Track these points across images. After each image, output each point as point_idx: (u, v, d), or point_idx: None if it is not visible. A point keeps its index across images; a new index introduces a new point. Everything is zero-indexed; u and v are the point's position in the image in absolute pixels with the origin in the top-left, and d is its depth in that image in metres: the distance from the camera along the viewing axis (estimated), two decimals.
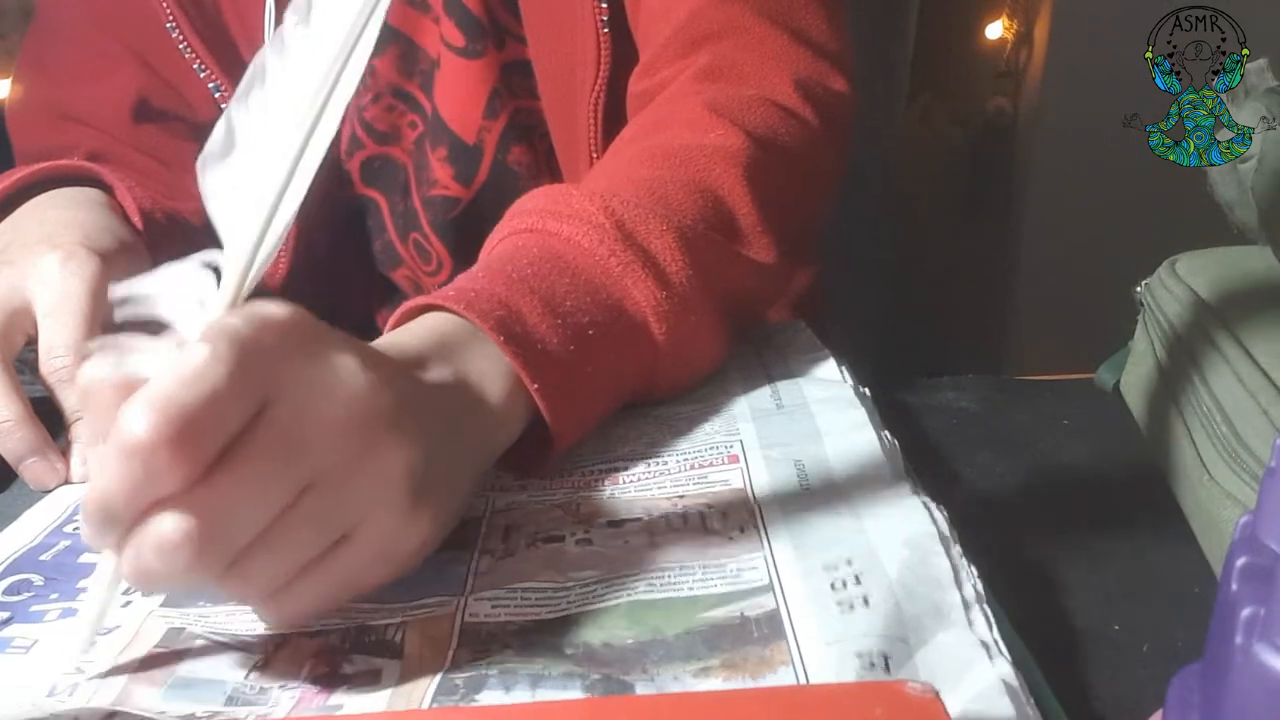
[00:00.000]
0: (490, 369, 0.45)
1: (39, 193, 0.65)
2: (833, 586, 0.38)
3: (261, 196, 0.38)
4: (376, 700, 0.36)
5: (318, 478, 0.35)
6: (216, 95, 0.75)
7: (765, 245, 0.57)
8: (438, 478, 0.39)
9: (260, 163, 0.38)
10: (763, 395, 0.54)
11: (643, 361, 0.52)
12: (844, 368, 0.57)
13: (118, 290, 0.36)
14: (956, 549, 0.40)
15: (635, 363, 0.51)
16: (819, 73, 0.64)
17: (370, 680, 0.36)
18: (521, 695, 0.35)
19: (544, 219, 0.52)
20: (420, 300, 0.48)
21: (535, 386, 0.45)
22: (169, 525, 0.33)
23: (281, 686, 0.36)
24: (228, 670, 0.37)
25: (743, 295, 0.57)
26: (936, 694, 0.32)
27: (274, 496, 0.35)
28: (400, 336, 0.45)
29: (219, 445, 0.33)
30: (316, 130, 0.38)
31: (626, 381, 0.52)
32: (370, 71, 0.76)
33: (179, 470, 0.33)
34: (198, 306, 0.37)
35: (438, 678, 0.36)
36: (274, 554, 0.35)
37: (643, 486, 0.47)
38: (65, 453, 0.54)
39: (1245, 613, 0.24)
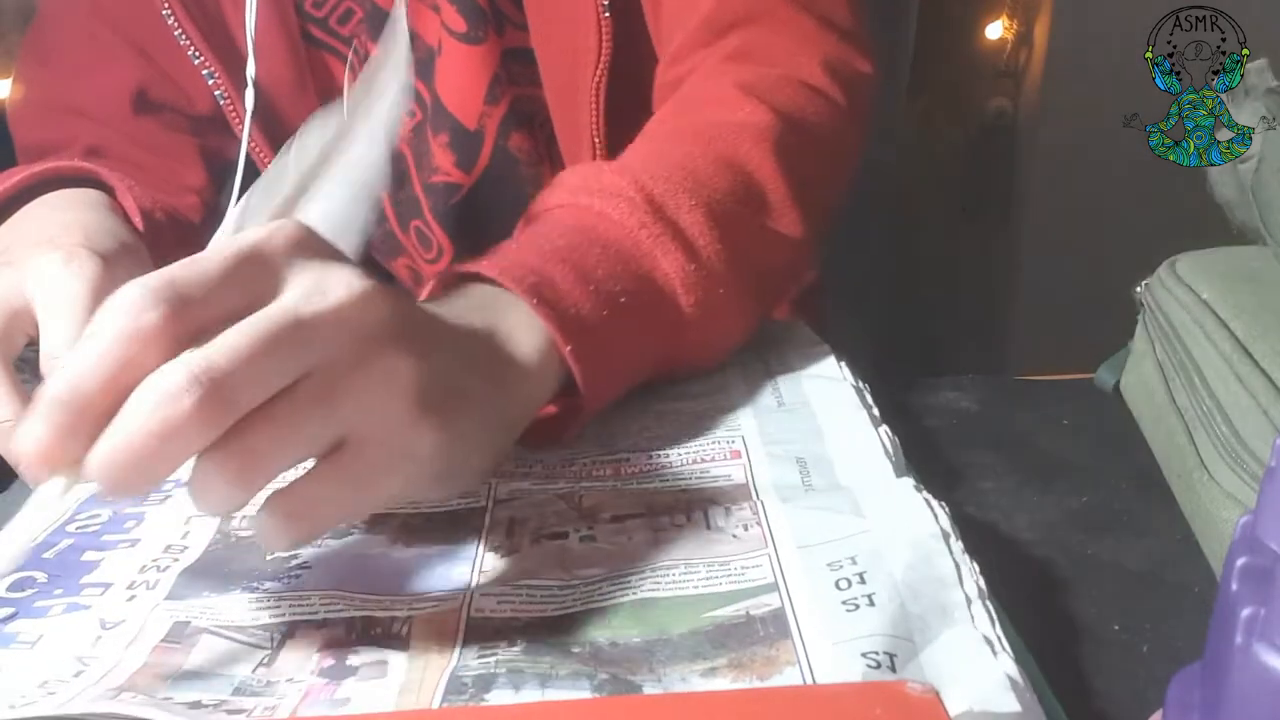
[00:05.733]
0: (523, 325, 0.46)
1: (40, 193, 0.65)
2: (838, 586, 0.38)
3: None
4: (385, 693, 0.36)
5: (317, 367, 0.35)
6: (211, 83, 0.75)
7: (794, 220, 0.58)
8: (450, 393, 0.39)
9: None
10: (764, 393, 0.54)
11: (670, 332, 0.53)
12: (843, 364, 0.57)
13: None
14: (959, 547, 0.40)
15: (663, 333, 0.53)
16: (845, 54, 0.65)
17: (378, 672, 0.37)
18: (531, 694, 0.35)
19: (575, 194, 0.53)
20: (454, 269, 0.49)
21: (569, 348, 0.47)
22: (171, 371, 0.32)
23: (289, 680, 0.36)
24: (234, 665, 0.37)
25: (771, 269, 0.59)
26: (937, 694, 0.32)
27: (275, 366, 0.34)
28: (439, 301, 0.47)
29: (207, 319, 0.34)
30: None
31: (653, 351, 0.53)
32: (365, 60, 0.77)
33: (168, 333, 0.33)
34: None
35: (446, 675, 0.36)
36: (275, 428, 0.34)
37: (644, 479, 0.47)
38: None
39: (1245, 613, 0.24)
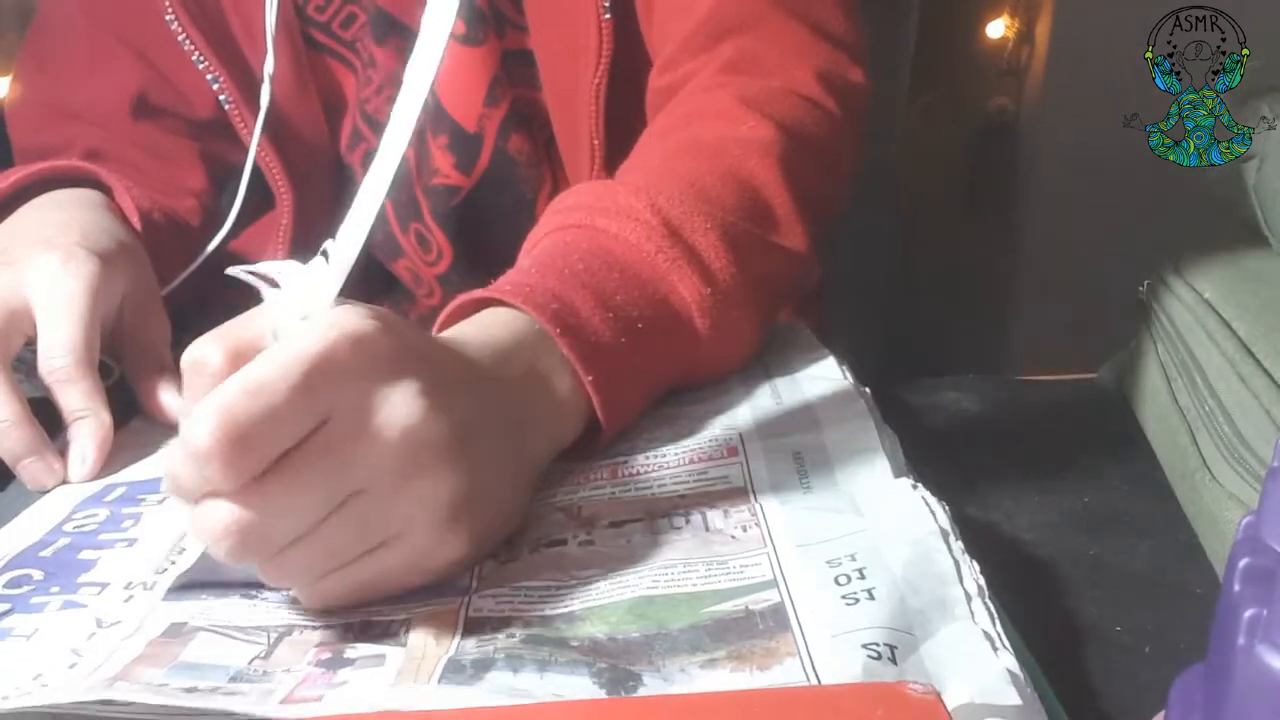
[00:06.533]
0: (555, 365, 0.47)
1: (38, 193, 0.65)
2: (837, 581, 0.38)
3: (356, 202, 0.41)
4: (382, 679, 0.36)
5: (362, 492, 0.38)
6: (215, 87, 0.75)
7: (799, 234, 0.58)
8: (482, 500, 0.41)
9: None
10: (763, 393, 0.54)
11: (685, 355, 0.54)
12: (844, 367, 0.57)
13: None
14: (958, 544, 0.40)
15: (679, 356, 0.53)
16: (838, 64, 0.65)
17: (375, 663, 0.37)
18: (529, 677, 0.35)
19: (591, 215, 0.54)
20: (476, 294, 0.50)
21: (590, 379, 0.48)
22: (217, 515, 0.36)
23: (286, 670, 0.36)
24: (231, 657, 0.37)
25: (779, 284, 0.59)
26: (938, 695, 0.32)
27: (316, 506, 0.37)
28: (472, 331, 0.47)
29: (271, 457, 0.36)
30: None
31: (669, 374, 0.54)
32: (371, 63, 0.76)
33: (230, 477, 0.35)
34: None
35: (444, 659, 0.36)
36: (312, 552, 0.38)
37: (642, 484, 0.47)
38: (63, 453, 0.54)
39: (1248, 614, 0.24)
